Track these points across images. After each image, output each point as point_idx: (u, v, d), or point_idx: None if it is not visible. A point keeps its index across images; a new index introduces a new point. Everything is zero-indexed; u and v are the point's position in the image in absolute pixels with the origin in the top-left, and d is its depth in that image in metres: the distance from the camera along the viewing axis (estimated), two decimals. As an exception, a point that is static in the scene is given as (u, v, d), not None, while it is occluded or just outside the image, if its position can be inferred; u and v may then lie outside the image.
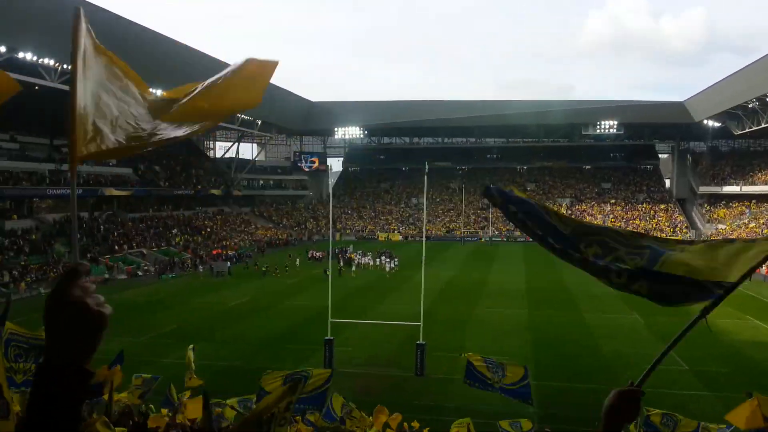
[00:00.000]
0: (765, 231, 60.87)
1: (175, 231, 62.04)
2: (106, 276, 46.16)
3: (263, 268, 49.13)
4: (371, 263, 54.09)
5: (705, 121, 78.07)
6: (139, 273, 49.58)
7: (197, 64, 56.94)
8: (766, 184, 69.92)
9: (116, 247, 52.23)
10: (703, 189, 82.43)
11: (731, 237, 2.67)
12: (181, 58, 56.97)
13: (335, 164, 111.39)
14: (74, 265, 1.36)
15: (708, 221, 78.53)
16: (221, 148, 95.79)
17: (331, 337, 23.83)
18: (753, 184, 73.23)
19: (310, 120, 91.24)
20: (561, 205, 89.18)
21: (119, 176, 61.37)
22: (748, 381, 22.28)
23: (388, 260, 53.38)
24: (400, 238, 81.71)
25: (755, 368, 23.95)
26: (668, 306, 2.52)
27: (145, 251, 54.30)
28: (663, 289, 2.47)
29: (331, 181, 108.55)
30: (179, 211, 68.85)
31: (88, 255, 47.42)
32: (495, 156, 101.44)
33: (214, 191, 76.54)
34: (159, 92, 2.37)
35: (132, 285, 45.03)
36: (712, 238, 57.06)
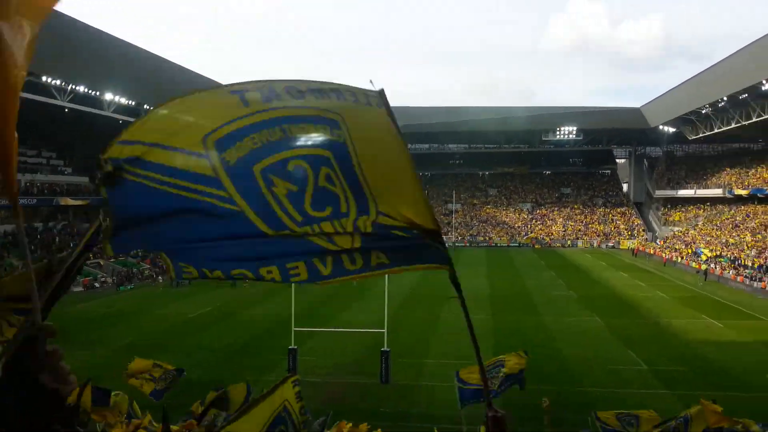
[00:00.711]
0: (717, 233, 62.74)
1: (134, 240, 60.77)
2: (62, 288, 44.85)
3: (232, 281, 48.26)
4: None
5: (661, 127, 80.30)
6: (96, 285, 48.36)
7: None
8: (718, 188, 72.14)
9: (72, 258, 50.89)
10: (659, 193, 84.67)
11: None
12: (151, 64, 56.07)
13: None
14: (34, 330, 1.11)
15: (664, 224, 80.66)
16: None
17: (295, 347, 23.61)
18: (706, 187, 75.49)
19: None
20: (522, 210, 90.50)
21: (74, 185, 59.82)
22: (703, 379, 22.91)
23: None
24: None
25: (710, 366, 24.60)
26: (407, 265, 2.50)
27: (102, 262, 52.98)
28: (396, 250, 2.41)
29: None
30: (138, 220, 67.45)
31: (43, 266, 45.99)
32: (457, 162, 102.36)
33: (175, 199, 75.26)
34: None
35: (89, 297, 43.86)
36: (668, 240, 58.39)
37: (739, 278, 46.43)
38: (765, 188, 62.44)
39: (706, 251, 56.71)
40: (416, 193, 2.32)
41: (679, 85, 72.03)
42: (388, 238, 2.39)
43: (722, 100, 61.27)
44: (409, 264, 2.55)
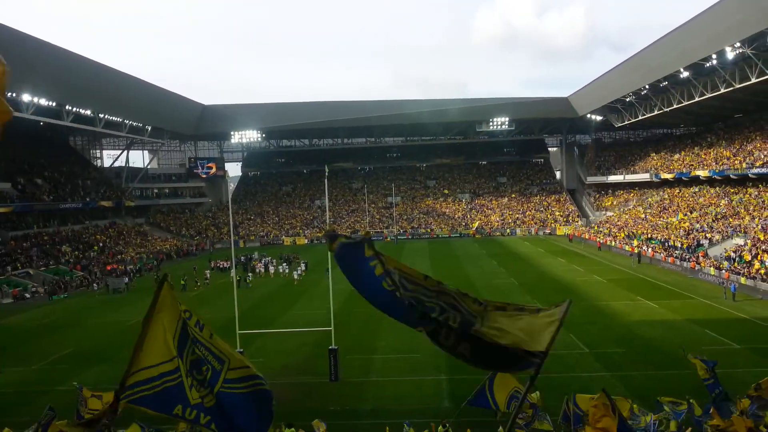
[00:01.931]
0: (648, 214, 65.36)
1: (64, 248, 58.09)
2: (-13, 301, 42.47)
3: (182, 281, 46.62)
4: (272, 271, 52.54)
5: (588, 115, 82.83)
6: (27, 295, 45.98)
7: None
8: (645, 172, 75.13)
9: (-3, 269, 48.18)
10: (591, 179, 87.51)
11: (520, 305, 3.31)
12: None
13: (234, 169, 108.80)
14: None
15: (597, 209, 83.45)
16: (109, 157, 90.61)
17: (241, 350, 23.06)
18: (634, 172, 78.49)
19: (204, 124, 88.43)
20: (462, 201, 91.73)
21: (-4, 192, 56.66)
22: (642, 359, 23.77)
23: (286, 266, 52.83)
24: (306, 241, 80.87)
25: (647, 346, 25.55)
26: (490, 371, 2.92)
27: (31, 271, 50.44)
28: (485, 355, 2.98)
29: (231, 186, 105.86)
30: (67, 226, 64.55)
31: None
32: (395, 155, 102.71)
33: (104, 203, 72.29)
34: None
35: (20, 309, 41.70)
36: (601, 224, 60.08)
37: (669, 259, 48.49)
38: (688, 172, 65.44)
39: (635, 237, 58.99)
40: None
41: (604, 74, 74.50)
42: None
43: (644, 88, 63.72)
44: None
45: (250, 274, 49.38)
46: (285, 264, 53.99)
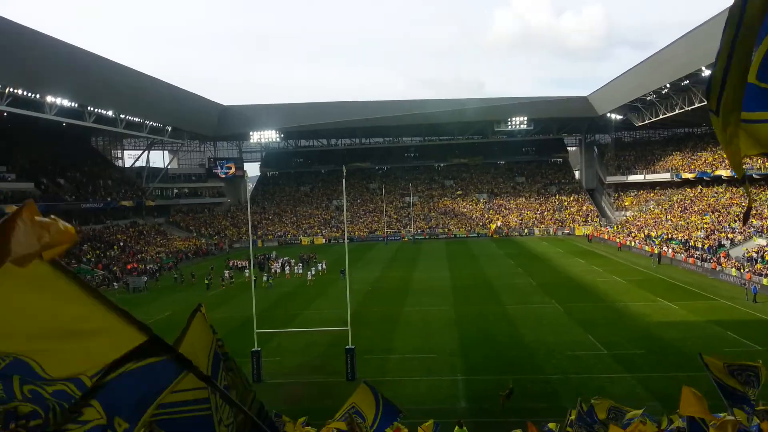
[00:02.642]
0: (669, 216, 64.58)
1: (85, 246, 58.87)
2: (10, 299, 43.10)
3: (206, 281, 46.66)
4: (288, 271, 51.88)
5: (608, 114, 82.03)
6: (47, 294, 46.56)
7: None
8: (666, 172, 74.25)
9: (20, 268, 48.84)
10: (610, 179, 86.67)
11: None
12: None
13: (252, 169, 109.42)
14: None
15: (616, 209, 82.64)
16: (130, 157, 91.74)
17: (258, 349, 23.22)
18: (655, 172, 77.59)
19: (224, 125, 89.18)
20: (479, 201, 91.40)
21: (19, 191, 57.53)
22: (661, 360, 23.49)
23: (301, 266, 52.58)
24: (323, 241, 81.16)
25: (667, 348, 25.22)
26: None
27: (52, 270, 51.11)
28: None
29: (249, 186, 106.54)
30: (88, 226, 65.41)
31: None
32: (413, 155, 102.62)
33: (125, 203, 73.14)
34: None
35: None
36: (621, 224, 59.23)
37: (690, 260, 47.86)
38: (710, 172, 64.55)
39: (653, 235, 58.34)
40: None
41: (624, 73, 73.78)
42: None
43: (665, 87, 62.94)
44: None
45: (266, 275, 49.22)
46: (301, 264, 53.81)
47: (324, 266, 51.89)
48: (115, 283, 49.66)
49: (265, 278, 46.83)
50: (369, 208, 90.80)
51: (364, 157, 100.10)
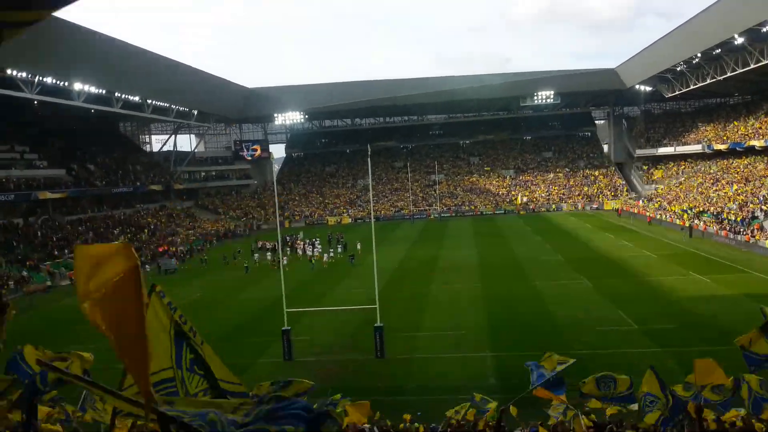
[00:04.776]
0: (701, 189, 63.32)
1: (117, 231, 60.01)
2: (49, 284, 44.25)
3: (245, 264, 46.48)
4: (310, 252, 50.49)
5: (637, 86, 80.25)
6: (82, 277, 47.67)
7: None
8: (697, 144, 72.58)
9: (56, 253, 49.99)
10: (640, 152, 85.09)
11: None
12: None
13: (278, 150, 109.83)
14: None
15: (646, 183, 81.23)
16: (158, 142, 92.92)
17: (288, 327, 23.55)
18: (685, 144, 75.92)
19: (249, 107, 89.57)
20: (506, 177, 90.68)
21: (51, 178, 58.71)
22: (693, 335, 23.21)
23: (333, 249, 52.30)
24: (350, 220, 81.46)
25: (699, 321, 24.90)
26: None
27: (84, 254, 52.21)
28: None
29: (276, 167, 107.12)
30: (119, 210, 66.59)
31: (28, 263, 45.39)
32: (438, 132, 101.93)
33: (154, 187, 74.21)
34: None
35: (76, 290, 43.36)
36: (651, 198, 58.28)
37: (722, 233, 46.94)
38: (743, 142, 62.92)
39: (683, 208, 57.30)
40: None
41: (653, 43, 71.90)
42: None
43: (696, 56, 61.25)
44: None
45: (309, 254, 49.46)
46: (336, 245, 53.27)
47: (341, 248, 51.81)
48: (147, 265, 50.58)
49: (312, 258, 47.50)
50: (394, 187, 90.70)
51: (388, 135, 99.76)
